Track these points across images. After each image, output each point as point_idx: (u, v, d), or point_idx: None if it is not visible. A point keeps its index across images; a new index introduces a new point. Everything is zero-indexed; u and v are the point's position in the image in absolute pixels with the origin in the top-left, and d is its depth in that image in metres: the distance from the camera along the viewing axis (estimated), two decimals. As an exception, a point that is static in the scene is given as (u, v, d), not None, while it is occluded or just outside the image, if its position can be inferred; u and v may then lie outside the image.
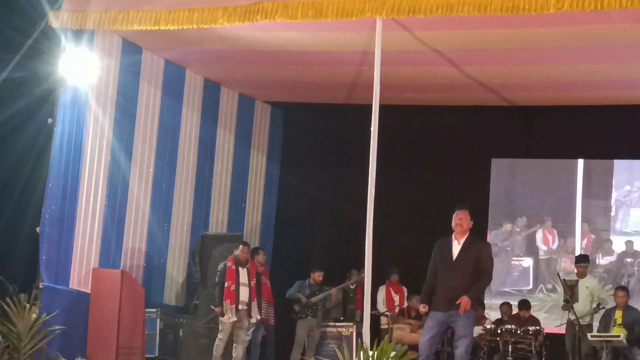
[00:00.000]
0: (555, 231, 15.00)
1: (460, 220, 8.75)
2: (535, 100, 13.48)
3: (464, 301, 8.47)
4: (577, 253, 14.23)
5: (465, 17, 9.01)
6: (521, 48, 10.78)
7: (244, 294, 11.41)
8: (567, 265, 14.76)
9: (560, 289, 14.36)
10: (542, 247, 15.04)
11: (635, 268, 14.55)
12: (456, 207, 8.88)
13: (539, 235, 15.06)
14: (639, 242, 14.60)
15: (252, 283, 11.51)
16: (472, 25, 9.76)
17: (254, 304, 11.50)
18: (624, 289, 11.98)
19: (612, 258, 14.69)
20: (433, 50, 10.93)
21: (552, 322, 13.02)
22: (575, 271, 12.26)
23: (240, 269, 11.45)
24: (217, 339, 11.37)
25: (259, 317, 11.62)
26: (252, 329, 12.34)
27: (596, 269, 14.31)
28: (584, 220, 14.86)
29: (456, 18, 9.13)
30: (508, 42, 10.62)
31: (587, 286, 11.87)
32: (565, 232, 14.97)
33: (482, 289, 8.90)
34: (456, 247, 8.74)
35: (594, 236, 14.81)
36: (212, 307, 11.50)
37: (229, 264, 11.45)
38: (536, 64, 11.45)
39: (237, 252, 11.51)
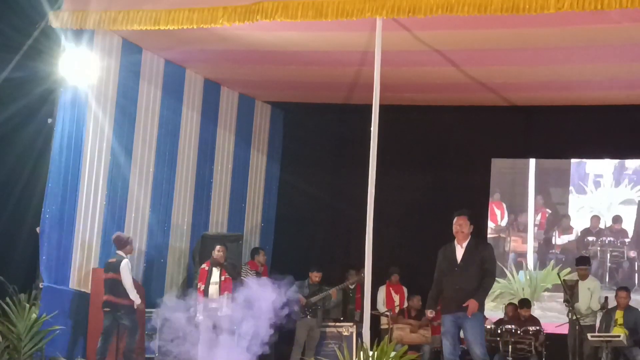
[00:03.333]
0: (504, 205, 14.05)
1: (460, 226, 9.01)
2: (535, 100, 13.48)
3: (472, 304, 8.75)
4: (530, 230, 13.59)
5: (465, 17, 9.01)
6: (521, 48, 10.78)
7: (213, 292, 11.45)
8: (517, 245, 13.81)
9: (510, 275, 13.71)
10: (489, 224, 14.08)
11: (598, 248, 13.57)
12: (455, 214, 9.10)
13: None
14: (605, 218, 13.37)
15: (223, 278, 11.51)
16: (472, 25, 9.75)
17: (223, 297, 11.44)
18: (627, 289, 11.96)
19: (571, 237, 13.72)
20: (433, 50, 10.93)
21: (501, 313, 12.59)
22: (576, 275, 12.18)
23: (214, 269, 11.53)
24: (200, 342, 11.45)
25: (228, 313, 11.58)
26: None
27: (552, 250, 13.60)
28: (537, 192, 13.90)
29: (456, 18, 9.13)
30: (508, 42, 10.62)
31: (588, 287, 11.88)
32: (515, 207, 13.98)
33: (487, 291, 9.13)
34: (460, 251, 9.00)
35: (549, 211, 13.90)
36: None
37: (204, 265, 11.58)
38: (536, 64, 11.45)
39: (215, 253, 11.59)
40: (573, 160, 13.85)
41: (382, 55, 9.44)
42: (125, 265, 10.66)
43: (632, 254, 13.60)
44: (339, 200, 14.71)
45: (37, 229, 10.62)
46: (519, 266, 13.92)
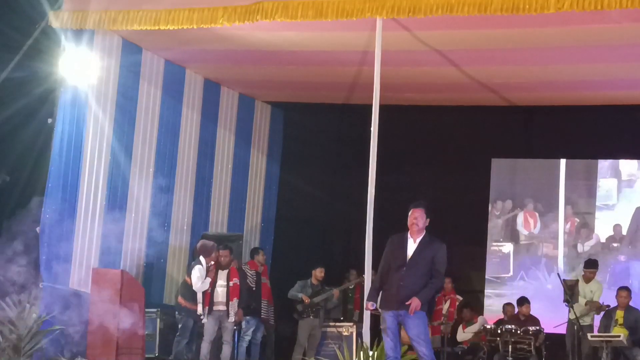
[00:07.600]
0: (536, 214, 14.55)
1: (416, 219, 8.46)
2: (535, 100, 13.48)
3: (415, 303, 8.14)
4: (561, 237, 14.11)
5: (465, 17, 9.03)
6: (521, 48, 10.78)
7: (221, 295, 11.42)
8: (549, 251, 14.43)
9: (542, 276, 14.28)
10: (523, 232, 14.59)
11: (621, 253, 14.17)
12: (412, 206, 8.60)
13: (519, 219, 14.62)
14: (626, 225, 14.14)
15: (231, 283, 11.43)
16: (472, 25, 9.76)
17: (232, 303, 11.40)
18: (627, 289, 11.96)
19: (597, 243, 14.29)
20: (433, 50, 10.94)
21: (533, 311, 12.72)
22: (583, 274, 12.21)
23: (220, 271, 11.49)
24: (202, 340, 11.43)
25: (235, 319, 11.52)
26: (251, 329, 12.35)
27: (581, 255, 13.99)
28: (567, 202, 14.44)
29: (456, 18, 9.15)
30: (508, 42, 10.63)
31: (591, 289, 11.89)
32: (547, 216, 14.52)
33: (433, 292, 8.48)
34: (412, 246, 8.43)
35: (577, 219, 14.41)
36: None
37: (210, 268, 11.54)
38: (536, 64, 11.45)
39: (219, 258, 11.54)
40: (624, 179, 14.52)
41: (382, 55, 9.46)
42: (193, 271, 11.26)
43: (622, 258, 14.10)
44: (339, 200, 14.72)
45: (37, 229, 10.61)
46: (551, 269, 14.36)
